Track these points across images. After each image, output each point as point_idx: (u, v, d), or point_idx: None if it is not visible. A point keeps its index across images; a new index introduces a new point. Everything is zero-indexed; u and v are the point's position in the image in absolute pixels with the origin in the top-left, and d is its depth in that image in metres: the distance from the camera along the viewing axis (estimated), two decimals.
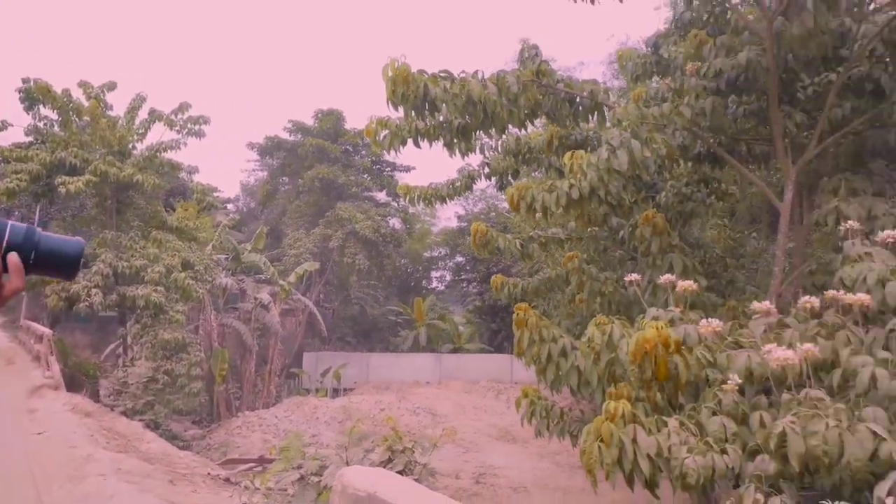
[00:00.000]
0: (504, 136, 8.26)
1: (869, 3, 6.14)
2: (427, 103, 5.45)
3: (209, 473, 9.18)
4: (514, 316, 5.53)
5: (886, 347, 3.69)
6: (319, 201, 29.60)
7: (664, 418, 3.56)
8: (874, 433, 2.89)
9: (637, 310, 6.63)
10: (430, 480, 5.05)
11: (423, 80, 5.42)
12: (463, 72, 5.84)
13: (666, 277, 4.59)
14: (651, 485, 3.45)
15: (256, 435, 16.66)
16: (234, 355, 22.69)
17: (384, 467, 5.43)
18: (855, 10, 6.07)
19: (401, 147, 6.59)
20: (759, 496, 3.01)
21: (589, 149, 7.39)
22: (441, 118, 6.21)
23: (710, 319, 3.91)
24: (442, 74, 5.69)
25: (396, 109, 5.43)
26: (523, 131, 7.59)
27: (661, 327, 3.75)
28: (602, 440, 3.32)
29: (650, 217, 6.19)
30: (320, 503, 4.34)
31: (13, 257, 0.98)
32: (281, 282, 23.49)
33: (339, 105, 52.41)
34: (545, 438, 6.13)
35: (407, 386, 21.66)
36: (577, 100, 6.60)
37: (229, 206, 34.97)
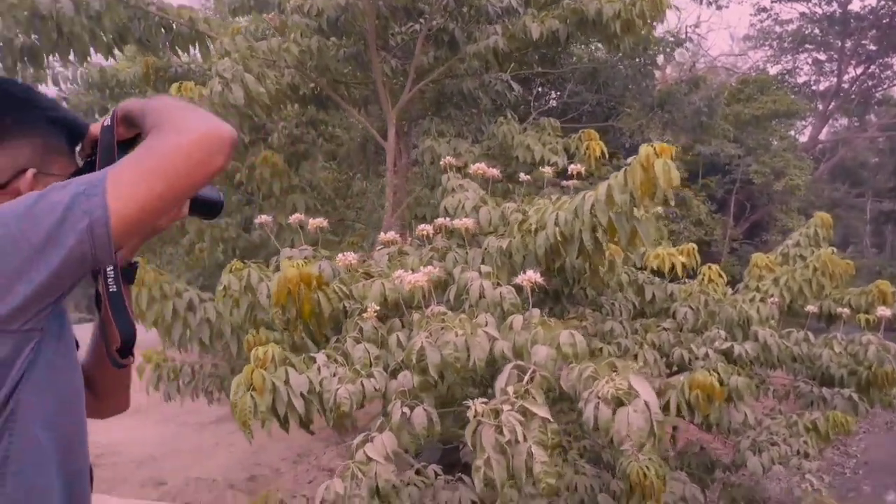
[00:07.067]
0: (86, 67, 6.95)
1: None
2: None
3: None
4: None
5: (484, 262, 4.35)
6: None
7: (312, 355, 3.55)
8: (489, 336, 3.37)
9: (263, 253, 6.46)
10: None
11: None
12: None
13: (295, 217, 4.52)
14: (306, 423, 3.43)
15: None
16: None
17: None
18: None
19: None
20: (406, 409, 3.26)
21: (195, 83, 6.77)
22: None
23: (345, 253, 4.00)
24: None
25: None
26: (110, 61, 6.49)
27: (301, 265, 3.68)
28: (255, 389, 3.14)
29: (268, 158, 6.01)
30: None
31: None
32: None
33: None
34: (169, 404, 5.64)
35: None
36: (175, 27, 5.90)
37: None
